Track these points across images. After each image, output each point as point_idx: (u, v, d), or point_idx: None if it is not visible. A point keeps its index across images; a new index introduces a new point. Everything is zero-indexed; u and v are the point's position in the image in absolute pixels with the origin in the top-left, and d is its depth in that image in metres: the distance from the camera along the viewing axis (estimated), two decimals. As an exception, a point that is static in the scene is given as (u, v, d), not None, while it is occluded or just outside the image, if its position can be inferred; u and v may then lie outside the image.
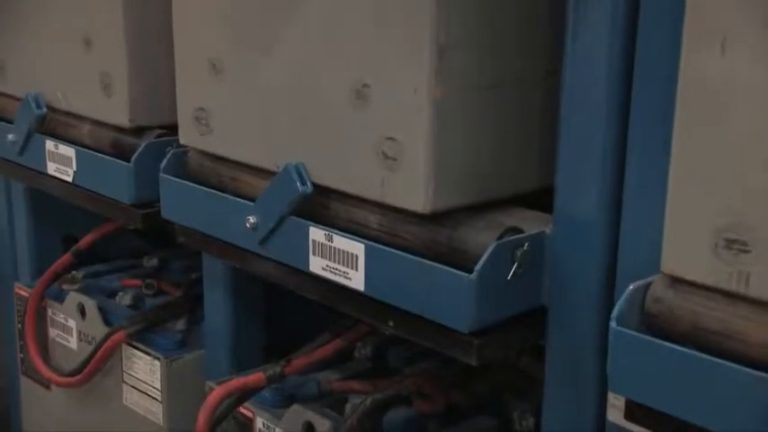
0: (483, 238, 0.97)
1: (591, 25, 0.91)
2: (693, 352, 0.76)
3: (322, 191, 1.09)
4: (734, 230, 0.73)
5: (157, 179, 1.30)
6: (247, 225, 1.16)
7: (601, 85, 0.91)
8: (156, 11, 1.30)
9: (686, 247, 0.77)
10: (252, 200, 1.17)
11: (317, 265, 1.10)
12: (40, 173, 1.55)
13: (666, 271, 0.79)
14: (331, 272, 1.08)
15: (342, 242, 1.07)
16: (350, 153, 1.04)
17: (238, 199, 1.19)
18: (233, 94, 1.18)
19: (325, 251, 1.09)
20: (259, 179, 1.17)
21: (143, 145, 1.37)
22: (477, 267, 0.93)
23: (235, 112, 1.19)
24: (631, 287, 0.81)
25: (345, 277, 1.07)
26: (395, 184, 1.00)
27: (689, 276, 0.78)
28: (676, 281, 0.79)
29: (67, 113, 1.51)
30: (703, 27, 0.74)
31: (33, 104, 1.52)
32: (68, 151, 1.48)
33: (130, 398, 1.59)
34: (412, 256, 1.00)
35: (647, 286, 0.81)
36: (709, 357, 0.75)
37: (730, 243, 0.74)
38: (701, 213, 0.76)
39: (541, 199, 1.02)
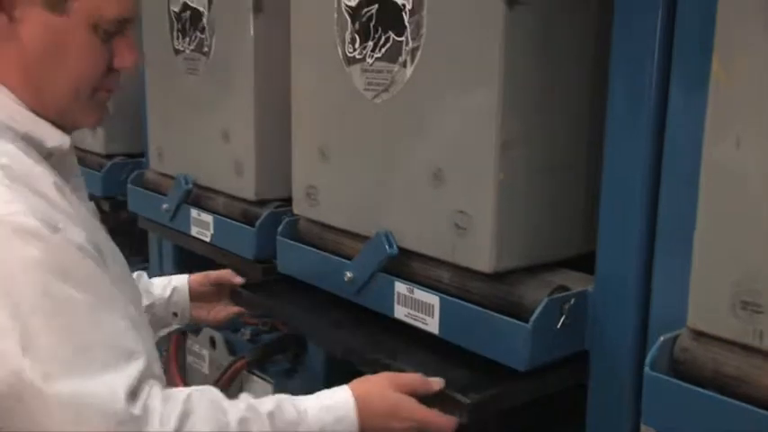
0: (537, 295, 0.96)
1: (626, 120, 0.91)
2: (714, 394, 0.74)
3: (405, 252, 1.10)
4: (749, 294, 0.72)
5: (275, 241, 1.33)
6: (345, 279, 1.17)
7: (635, 167, 0.90)
8: (278, 111, 1.34)
9: (708, 306, 0.75)
10: (349, 259, 1.18)
11: (400, 312, 1.10)
12: (186, 234, 1.60)
13: (691, 326, 0.78)
14: (412, 318, 1.09)
15: (421, 294, 1.07)
16: (428, 223, 1.05)
17: (339, 258, 1.21)
18: (337, 175, 1.21)
19: (407, 301, 1.09)
20: (355, 242, 1.19)
21: (264, 214, 1.40)
22: (532, 318, 0.92)
23: (338, 189, 1.21)
24: (662, 339, 0.80)
25: (423, 323, 1.07)
26: (464, 248, 1.01)
27: (711, 331, 0.76)
28: (700, 334, 0.77)
29: (208, 189, 1.56)
30: (721, 124, 0.74)
31: (183, 182, 1.58)
32: (207, 218, 1.53)
33: (248, 415, 1.58)
34: (478, 308, 0.99)
35: (675, 338, 0.80)
36: (727, 399, 0.73)
37: (746, 304, 0.72)
38: (721, 278, 0.74)
39: (585, 262, 1.01)
